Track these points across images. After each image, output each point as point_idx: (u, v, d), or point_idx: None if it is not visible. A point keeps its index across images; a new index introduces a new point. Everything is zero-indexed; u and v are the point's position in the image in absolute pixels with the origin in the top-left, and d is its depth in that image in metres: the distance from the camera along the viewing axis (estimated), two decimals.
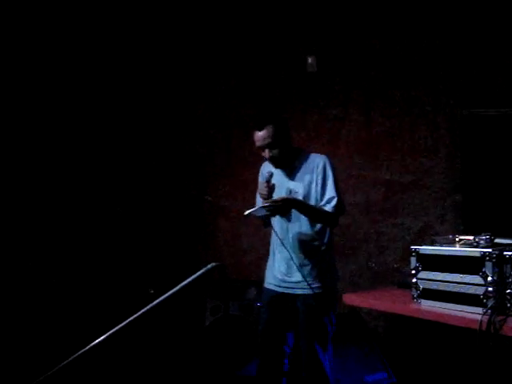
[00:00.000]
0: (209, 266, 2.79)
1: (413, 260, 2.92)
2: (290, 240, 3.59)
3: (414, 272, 2.90)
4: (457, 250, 2.73)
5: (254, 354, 4.60)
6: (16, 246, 4.82)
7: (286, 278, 3.62)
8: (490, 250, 2.51)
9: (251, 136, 3.53)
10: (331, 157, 3.76)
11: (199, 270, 2.80)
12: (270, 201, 3.35)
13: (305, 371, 3.63)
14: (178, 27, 5.74)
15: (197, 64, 5.81)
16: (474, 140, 5.11)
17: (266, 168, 3.75)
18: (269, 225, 3.74)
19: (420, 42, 5.23)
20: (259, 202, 3.65)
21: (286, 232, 3.61)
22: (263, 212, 3.40)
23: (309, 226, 3.58)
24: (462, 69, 5.12)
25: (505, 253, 2.48)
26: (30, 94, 5.07)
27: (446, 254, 2.76)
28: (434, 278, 2.79)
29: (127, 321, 2.78)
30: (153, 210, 5.75)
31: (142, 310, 2.79)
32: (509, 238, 2.76)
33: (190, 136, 5.91)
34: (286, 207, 3.43)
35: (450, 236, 2.98)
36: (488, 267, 2.49)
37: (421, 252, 2.90)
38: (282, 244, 3.60)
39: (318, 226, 3.60)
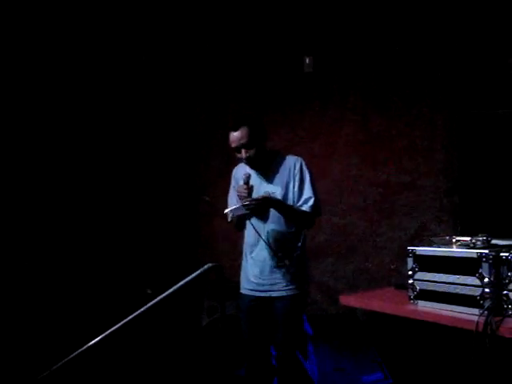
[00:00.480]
0: (205, 267, 2.80)
1: (409, 261, 2.92)
2: (269, 241, 3.55)
3: (410, 273, 2.89)
4: (453, 250, 2.73)
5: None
6: (14, 245, 4.81)
7: (261, 281, 3.59)
8: (486, 251, 2.51)
9: (227, 138, 3.53)
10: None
11: (196, 271, 2.80)
12: (249, 199, 3.34)
13: (286, 377, 3.59)
14: (177, 27, 5.73)
15: (195, 65, 5.80)
16: (471, 141, 5.12)
17: (240, 171, 3.74)
18: (242, 228, 3.75)
19: (417, 42, 5.24)
20: (232, 204, 3.68)
21: (263, 232, 3.57)
22: (242, 211, 3.39)
23: (285, 228, 3.56)
24: (460, 70, 5.14)
25: (501, 254, 2.48)
26: (29, 94, 5.06)
27: (443, 254, 2.76)
28: (430, 278, 2.79)
29: (124, 321, 2.78)
30: (150, 211, 5.75)
31: (140, 310, 2.79)
32: (506, 239, 2.76)
33: (188, 136, 5.91)
34: (265, 206, 3.44)
35: (447, 237, 2.98)
36: (485, 268, 2.49)
37: (417, 253, 2.89)
38: (256, 246, 3.59)
39: (293, 228, 3.59)
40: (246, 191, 3.38)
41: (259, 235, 3.53)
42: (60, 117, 5.26)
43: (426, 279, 2.82)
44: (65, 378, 3.14)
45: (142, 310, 2.79)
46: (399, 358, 4.72)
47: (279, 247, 3.55)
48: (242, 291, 3.74)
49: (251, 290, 3.64)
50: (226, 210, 3.46)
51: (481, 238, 2.71)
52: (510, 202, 4.93)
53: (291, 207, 3.54)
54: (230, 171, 5.69)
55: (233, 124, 3.51)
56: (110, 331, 2.78)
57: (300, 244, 3.64)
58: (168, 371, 4.73)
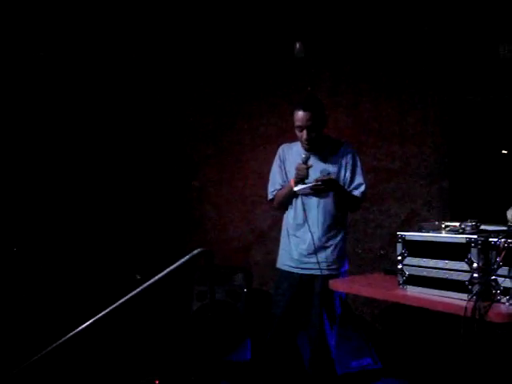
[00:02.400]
0: (195, 252, 2.79)
1: (399, 246, 2.92)
2: (317, 222, 3.71)
3: (399, 258, 2.90)
4: (442, 236, 2.73)
5: (242, 340, 4.63)
6: (4, 230, 4.80)
7: (306, 259, 3.73)
8: (475, 236, 2.52)
9: (293, 115, 3.65)
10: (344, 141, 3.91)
11: (186, 256, 2.79)
12: (319, 179, 3.51)
13: (312, 349, 3.79)
14: (166, 16, 5.68)
15: (184, 51, 5.76)
16: (460, 127, 5.13)
17: (287, 150, 3.92)
18: (286, 207, 3.88)
19: (409, 29, 5.23)
20: (275, 180, 3.90)
21: (314, 212, 3.72)
22: (309, 190, 3.57)
23: (334, 210, 3.74)
24: (450, 56, 5.13)
25: (490, 239, 2.48)
26: (27, 92, 5.02)
27: (432, 240, 2.76)
28: (419, 264, 2.79)
29: (114, 306, 2.77)
30: (140, 196, 5.73)
31: (129, 296, 2.78)
32: (495, 224, 2.77)
33: (178, 123, 5.88)
34: (329, 187, 3.59)
35: (436, 222, 2.98)
36: (473, 253, 2.49)
37: (407, 238, 2.89)
38: (303, 225, 3.73)
39: (341, 210, 3.78)
40: (305, 170, 3.54)
41: (307, 217, 3.69)
42: (50, 102, 5.23)
43: (415, 264, 2.82)
44: (54, 362, 3.13)
45: (131, 295, 2.78)
46: (388, 343, 4.75)
47: (327, 229, 3.72)
48: (282, 267, 3.88)
49: (294, 267, 3.79)
50: (296, 188, 3.58)
51: (470, 224, 2.71)
52: (499, 188, 4.95)
53: (347, 191, 3.73)
54: (219, 157, 5.73)
55: (304, 104, 3.64)
56: (99, 316, 2.77)
57: (346, 225, 3.88)
58: (158, 357, 4.74)
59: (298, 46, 5.48)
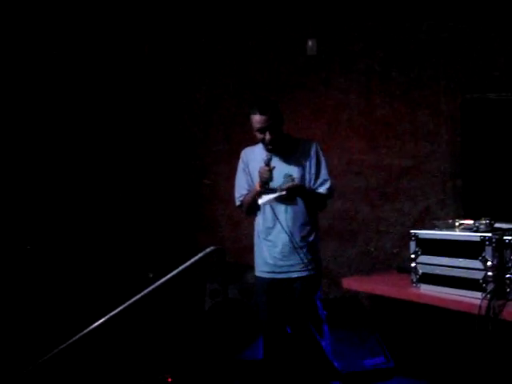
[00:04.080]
0: (207, 250, 2.79)
1: (412, 244, 2.92)
2: (288, 223, 3.66)
3: (413, 256, 2.89)
4: (456, 234, 2.72)
5: (255, 339, 4.62)
6: (13, 227, 4.82)
7: (281, 263, 3.69)
8: (489, 234, 2.51)
9: (250, 119, 3.63)
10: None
11: (198, 254, 2.79)
12: (284, 188, 3.49)
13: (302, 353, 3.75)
14: (176, 12, 5.69)
15: (196, 48, 5.77)
16: (474, 124, 5.09)
17: (249, 154, 3.87)
18: (254, 212, 3.85)
19: (421, 25, 5.19)
20: (241, 185, 3.85)
21: (283, 216, 3.67)
22: (273, 201, 3.56)
23: (304, 210, 3.70)
24: (463, 53, 5.09)
25: (505, 237, 2.47)
26: (26, 89, 5.04)
27: (446, 238, 2.75)
28: (433, 262, 2.79)
29: (126, 304, 2.78)
30: (152, 194, 5.74)
31: (141, 294, 2.79)
32: (509, 222, 2.75)
33: (189, 120, 5.89)
34: (295, 194, 3.58)
35: (450, 220, 2.97)
36: (488, 252, 2.48)
37: (420, 236, 2.89)
38: (273, 228, 3.70)
39: (310, 209, 3.73)
40: (268, 172, 3.50)
41: (277, 219, 3.65)
42: (54, 101, 5.24)
43: (429, 263, 2.82)
44: (67, 361, 3.15)
45: (144, 293, 2.79)
46: (401, 342, 4.73)
47: (300, 230, 3.69)
48: (259, 274, 3.86)
49: (269, 272, 3.76)
50: (260, 201, 3.56)
51: (484, 222, 2.70)
52: None
53: (313, 191, 3.71)
54: (230, 154, 5.70)
55: (260, 107, 3.60)
56: (112, 314, 2.78)
57: (316, 224, 3.82)
58: (171, 355, 4.75)
59: (310, 43, 5.46)
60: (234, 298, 4.74)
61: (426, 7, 5.16)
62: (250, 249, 5.57)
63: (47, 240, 4.98)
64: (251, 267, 5.01)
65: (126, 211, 5.55)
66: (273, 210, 3.67)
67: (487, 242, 2.49)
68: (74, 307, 4.74)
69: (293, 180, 3.61)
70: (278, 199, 3.57)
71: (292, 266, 3.66)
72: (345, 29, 5.40)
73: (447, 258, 2.71)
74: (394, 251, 5.24)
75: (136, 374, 4.46)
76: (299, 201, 3.67)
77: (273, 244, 3.73)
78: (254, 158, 3.82)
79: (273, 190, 3.54)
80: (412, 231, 2.94)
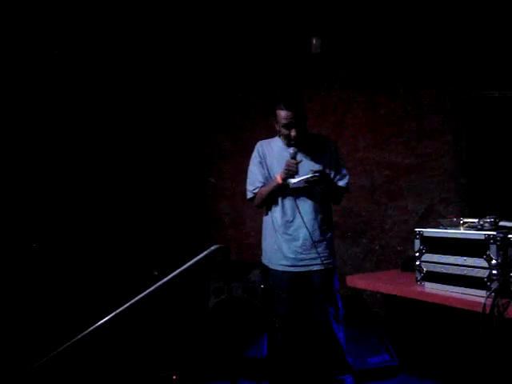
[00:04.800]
0: (212, 248, 2.79)
1: (417, 242, 2.91)
2: (309, 218, 3.72)
3: (417, 254, 2.89)
4: (461, 232, 2.72)
5: (259, 336, 4.63)
6: (17, 226, 4.83)
7: (302, 256, 3.72)
8: (494, 232, 2.50)
9: (276, 114, 3.70)
10: (336, 139, 3.91)
11: (202, 252, 2.80)
12: (315, 171, 3.53)
13: (319, 343, 3.83)
14: (182, 11, 5.69)
15: (203, 48, 5.77)
16: (478, 123, 5.09)
17: (265, 147, 3.90)
18: (268, 205, 3.87)
19: (426, 23, 5.19)
20: (255, 178, 3.86)
21: (303, 209, 3.72)
22: (303, 183, 3.58)
23: (323, 205, 3.79)
24: (468, 51, 5.09)
25: (509, 236, 2.47)
26: (27, 92, 5.04)
27: (450, 236, 2.75)
28: (437, 260, 2.78)
29: (131, 302, 2.79)
30: (157, 193, 5.75)
31: (146, 292, 2.80)
32: None
33: (193, 118, 5.89)
34: (323, 180, 3.61)
35: (455, 219, 2.97)
36: (492, 250, 2.48)
37: (425, 234, 2.89)
38: (293, 222, 3.73)
39: (329, 204, 3.85)
40: (295, 166, 3.55)
41: (299, 213, 3.68)
42: (59, 99, 5.25)
43: (433, 261, 2.81)
44: (73, 358, 3.16)
45: (149, 291, 2.79)
46: (405, 340, 4.73)
47: (318, 223, 3.75)
48: (277, 268, 3.85)
49: (289, 266, 3.77)
50: (293, 180, 3.57)
51: (489, 220, 2.70)
52: None
53: (335, 184, 3.79)
54: (235, 153, 5.73)
55: (287, 102, 3.67)
56: (117, 312, 2.79)
57: (331, 221, 3.90)
58: (175, 353, 4.76)
59: (314, 41, 5.47)
60: (238, 296, 4.75)
61: (431, 6, 5.16)
62: (254, 246, 5.61)
63: (53, 238, 4.99)
64: (256, 265, 5.03)
65: (131, 209, 5.56)
66: (294, 204, 3.71)
67: (491, 241, 2.49)
68: (79, 305, 4.75)
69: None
70: (308, 183, 3.59)
71: (312, 259, 3.71)
72: (349, 27, 5.41)
73: (452, 257, 2.71)
74: (399, 249, 5.25)
75: (141, 372, 4.47)
76: (317, 196, 3.73)
77: (293, 238, 3.75)
78: (271, 151, 3.86)
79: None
80: (416, 229, 2.94)
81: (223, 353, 4.52)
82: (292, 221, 3.74)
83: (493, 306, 2.32)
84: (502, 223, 2.71)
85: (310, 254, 3.72)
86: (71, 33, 5.25)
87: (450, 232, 2.76)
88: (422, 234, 2.90)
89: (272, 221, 3.85)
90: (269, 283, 3.94)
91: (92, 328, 2.79)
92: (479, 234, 2.57)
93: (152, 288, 2.79)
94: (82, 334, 2.80)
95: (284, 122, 3.66)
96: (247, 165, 5.60)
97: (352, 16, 5.39)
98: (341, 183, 3.80)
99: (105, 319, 2.79)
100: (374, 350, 4.37)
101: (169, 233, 5.70)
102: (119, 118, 5.59)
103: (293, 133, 3.66)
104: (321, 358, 3.90)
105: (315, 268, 3.72)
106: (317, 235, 3.73)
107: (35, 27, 5.02)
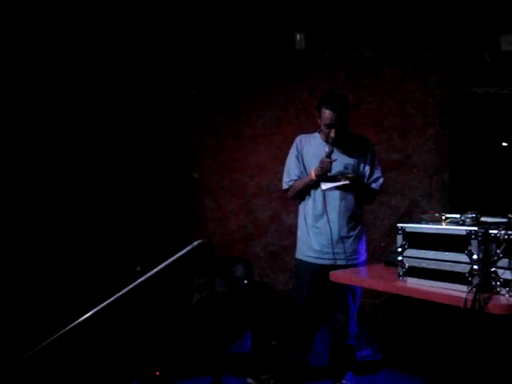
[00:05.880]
0: (195, 244, 2.79)
1: (399, 238, 2.92)
2: (338, 213, 3.80)
3: (400, 250, 2.90)
4: (443, 228, 2.73)
5: (242, 331, 4.63)
6: (4, 223, 4.80)
7: (328, 250, 3.81)
8: (475, 228, 2.51)
9: (321, 111, 3.77)
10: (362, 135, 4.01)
11: (186, 248, 2.79)
12: (344, 177, 3.70)
13: (338, 335, 3.97)
14: (167, 7, 5.66)
15: (187, 44, 5.74)
16: (461, 119, 5.12)
17: (304, 142, 4.00)
18: (302, 197, 3.96)
19: (409, 20, 5.21)
20: (291, 171, 3.95)
21: (336, 204, 3.81)
22: (334, 189, 3.74)
23: (354, 203, 3.85)
24: (451, 48, 5.12)
25: (490, 231, 2.48)
26: (25, 91, 5.00)
27: (432, 232, 2.76)
28: (419, 255, 2.79)
29: (114, 298, 2.78)
30: (140, 188, 5.72)
31: (129, 287, 2.79)
32: (495, 216, 2.77)
33: (178, 113, 5.87)
34: (354, 185, 3.75)
35: (437, 214, 2.98)
36: (474, 245, 2.49)
37: (407, 230, 2.89)
38: (323, 216, 3.81)
39: (360, 203, 3.91)
40: (329, 164, 3.66)
41: (326, 210, 3.78)
42: (47, 97, 5.21)
43: (416, 256, 2.82)
44: (55, 354, 3.14)
45: (132, 286, 2.79)
46: (388, 334, 4.76)
47: (348, 220, 3.83)
48: (303, 258, 3.96)
49: (315, 258, 3.88)
50: (324, 187, 3.72)
51: (470, 216, 2.71)
52: (499, 180, 4.95)
53: (366, 186, 3.89)
54: (218, 149, 5.72)
55: (334, 104, 3.75)
56: (99, 308, 2.77)
57: (362, 218, 3.98)
58: (158, 349, 4.75)
59: (298, 37, 5.46)
60: (222, 291, 4.75)
61: (415, 2, 5.18)
62: (238, 242, 5.62)
63: (36, 234, 4.96)
64: (240, 260, 5.03)
65: (113, 205, 5.53)
66: (324, 199, 3.78)
67: (473, 236, 2.50)
68: (61, 301, 4.73)
69: (347, 169, 3.80)
70: (339, 187, 3.74)
71: (337, 253, 3.80)
72: (333, 23, 5.41)
73: (434, 252, 2.72)
74: (382, 245, 5.27)
75: (124, 368, 4.46)
76: (351, 193, 3.82)
77: (320, 231, 3.84)
78: (309, 146, 3.95)
79: (331, 179, 3.72)
80: (399, 225, 2.95)
81: (206, 348, 4.51)
82: (321, 215, 3.82)
83: (474, 300, 2.34)
84: (483, 219, 2.72)
85: (335, 248, 3.80)
86: (56, 27, 5.21)
87: (432, 227, 2.77)
88: (404, 230, 2.91)
89: (304, 213, 3.96)
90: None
91: (75, 323, 2.78)
92: (461, 230, 2.58)
93: (135, 283, 2.78)
94: (65, 330, 2.79)
95: (326, 121, 3.75)
96: (231, 160, 5.63)
97: (336, 12, 5.40)
98: (374, 185, 3.91)
99: (87, 315, 2.78)
100: (357, 344, 4.38)
101: (152, 228, 5.68)
102: (101, 114, 5.55)
103: (332, 134, 3.75)
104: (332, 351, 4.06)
105: (339, 262, 3.79)
106: (344, 231, 3.82)
107: (19, 21, 4.98)
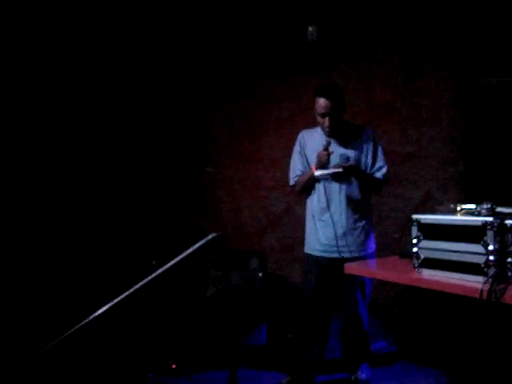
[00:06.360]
0: (209, 237, 2.80)
1: (414, 229, 2.91)
2: (341, 206, 3.80)
3: (415, 241, 2.89)
4: (458, 219, 2.72)
5: (257, 324, 4.65)
6: (16, 218, 4.83)
7: (335, 243, 3.80)
8: (491, 218, 2.50)
9: (315, 101, 3.75)
10: (363, 124, 3.98)
11: (200, 241, 2.80)
12: (339, 166, 3.66)
13: (347, 326, 3.99)
14: (177, 4, 5.66)
15: (198, 37, 5.74)
16: (475, 109, 5.08)
17: (308, 136, 4.00)
18: (307, 192, 3.97)
19: (421, 10, 5.17)
20: (296, 167, 3.96)
21: (337, 196, 3.81)
22: (329, 175, 3.73)
23: (358, 193, 3.84)
24: (464, 38, 5.08)
25: (506, 221, 2.46)
26: (27, 92, 5.02)
27: (447, 223, 2.74)
28: (435, 247, 2.78)
29: (130, 291, 2.79)
30: (155, 182, 5.74)
31: (145, 281, 2.80)
32: (510, 206, 2.75)
33: (191, 108, 5.88)
34: (350, 173, 3.72)
35: (452, 205, 2.97)
36: (489, 236, 2.48)
37: (422, 221, 2.88)
38: (328, 209, 3.80)
39: (364, 193, 3.88)
40: (326, 156, 3.65)
41: (328, 203, 3.78)
42: (54, 94, 5.23)
43: (431, 247, 2.81)
44: (72, 348, 3.17)
45: (147, 280, 2.80)
46: (403, 326, 4.75)
47: (353, 212, 3.83)
48: (312, 252, 3.98)
49: (323, 251, 3.89)
50: (316, 173, 3.70)
51: (485, 206, 2.69)
52: None
53: (368, 175, 3.85)
54: (232, 142, 5.72)
55: (327, 91, 3.74)
56: (115, 302, 2.79)
57: (370, 207, 3.99)
58: (174, 341, 4.77)
59: (310, 29, 5.45)
60: (236, 284, 4.76)
61: None
62: (252, 235, 5.63)
63: (52, 229, 4.99)
64: (254, 253, 5.04)
65: (129, 199, 5.55)
66: (325, 191, 3.79)
67: (489, 227, 2.48)
68: (77, 295, 4.76)
69: (348, 160, 3.76)
70: (334, 176, 3.73)
71: (345, 246, 3.80)
72: (345, 15, 5.39)
73: (449, 243, 2.71)
74: (396, 236, 5.26)
75: (140, 361, 4.49)
76: (354, 184, 3.81)
77: (326, 224, 3.84)
78: (311, 141, 3.95)
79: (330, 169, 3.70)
80: (414, 216, 2.93)
81: (222, 341, 4.53)
82: (326, 208, 3.81)
83: (490, 291, 2.33)
84: (498, 209, 2.71)
85: (342, 241, 3.80)
86: (64, 26, 5.22)
87: (447, 219, 2.76)
88: (419, 221, 2.89)
89: (311, 207, 3.97)
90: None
91: (91, 317, 2.80)
92: (476, 221, 2.56)
93: (150, 277, 2.80)
94: (81, 324, 2.81)
95: (320, 110, 3.74)
96: (245, 153, 5.63)
97: (348, 4, 5.37)
98: (378, 174, 3.87)
99: (103, 309, 2.80)
100: (372, 336, 4.38)
101: (167, 222, 5.70)
102: (114, 110, 5.58)
103: (326, 122, 3.74)
104: (344, 341, 4.07)
105: (346, 255, 3.79)
106: (349, 224, 3.81)
107: (29, 20, 4.99)
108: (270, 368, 4.44)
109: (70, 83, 5.28)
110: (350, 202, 3.81)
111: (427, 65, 5.22)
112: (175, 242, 4.97)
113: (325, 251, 3.87)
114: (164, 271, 2.79)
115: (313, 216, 3.94)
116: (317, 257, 3.91)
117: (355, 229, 3.83)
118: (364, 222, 3.87)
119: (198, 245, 2.80)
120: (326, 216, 3.82)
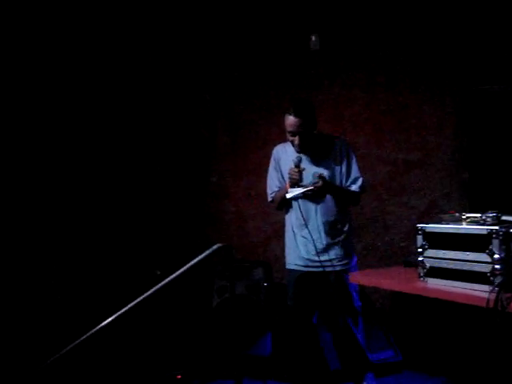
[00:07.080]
0: (214, 247, 2.80)
1: (419, 238, 2.91)
2: (318, 223, 3.74)
3: (420, 250, 2.89)
4: (463, 227, 2.72)
5: (263, 334, 4.64)
6: (21, 225, 4.84)
7: (315, 258, 3.75)
8: (496, 227, 2.50)
9: (284, 118, 3.67)
10: (336, 135, 3.89)
11: (205, 251, 2.80)
12: (312, 185, 3.58)
13: (336, 343, 3.98)
14: (181, 11, 5.68)
15: (202, 47, 5.76)
16: (480, 117, 5.08)
17: (281, 152, 3.93)
18: (285, 207, 3.92)
19: (425, 17, 5.18)
20: (272, 184, 3.94)
21: (314, 214, 3.75)
22: (301, 195, 3.65)
23: (334, 208, 3.77)
24: (468, 45, 5.08)
25: (511, 230, 2.47)
26: (29, 92, 5.04)
27: (453, 231, 2.74)
28: (440, 256, 2.78)
29: (134, 302, 2.79)
30: (159, 192, 5.75)
31: (149, 292, 2.80)
32: None
33: (195, 118, 5.89)
34: (323, 191, 3.65)
35: (457, 214, 2.97)
36: (495, 245, 2.48)
37: (427, 230, 2.88)
38: (306, 226, 3.74)
39: (341, 206, 3.81)
40: (297, 174, 3.57)
41: (304, 219, 3.70)
42: (61, 97, 5.24)
43: (436, 256, 2.81)
44: (76, 359, 3.16)
45: (152, 291, 2.80)
46: (409, 336, 4.73)
47: (331, 227, 3.77)
48: (292, 267, 3.93)
49: (304, 266, 3.84)
50: (288, 195, 3.63)
51: (491, 215, 2.69)
52: None
53: (343, 189, 3.77)
54: (236, 153, 5.72)
55: (294, 109, 3.62)
56: (120, 312, 2.79)
57: (349, 220, 3.90)
58: (179, 352, 4.76)
59: (313, 38, 5.46)
60: (242, 294, 4.75)
61: (430, 1, 5.14)
62: (257, 245, 5.62)
63: (55, 239, 4.99)
64: (259, 263, 5.04)
65: (133, 208, 5.56)
66: (301, 209, 3.73)
67: (494, 235, 2.48)
68: (82, 305, 4.76)
69: (322, 178, 3.65)
70: (306, 195, 3.66)
71: (327, 261, 3.74)
72: (348, 23, 5.39)
73: (454, 252, 2.71)
74: (401, 245, 5.24)
75: (145, 372, 4.48)
76: (329, 198, 3.74)
77: (307, 240, 3.78)
78: (285, 156, 3.89)
79: (302, 187, 3.61)
80: (419, 225, 2.93)
81: (227, 351, 4.52)
82: (304, 224, 3.75)
83: (496, 300, 2.32)
84: (504, 218, 2.70)
85: (323, 256, 3.75)
86: (72, 29, 5.24)
87: (453, 227, 2.76)
88: (424, 230, 2.89)
89: (289, 222, 3.92)
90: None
91: (96, 328, 2.79)
92: (482, 229, 2.56)
93: (155, 288, 2.80)
94: (87, 335, 2.81)
95: (289, 128, 3.66)
96: (249, 164, 5.64)
97: (351, 12, 5.38)
98: (353, 187, 3.80)
99: (109, 319, 2.79)
100: (378, 346, 4.37)
101: (171, 232, 5.70)
102: (120, 117, 5.60)
103: (296, 141, 3.66)
104: (341, 358, 4.05)
105: (329, 269, 3.75)
106: (329, 238, 3.76)
107: (30, 22, 5.01)
108: (276, 378, 4.43)
109: (77, 93, 5.30)
110: (327, 219, 3.76)
111: (431, 72, 5.22)
112: (180, 252, 4.98)
113: (306, 266, 3.83)
114: (169, 281, 2.79)
115: (293, 231, 3.88)
116: (296, 271, 3.87)
117: (336, 243, 3.78)
118: (343, 236, 3.81)
119: (203, 255, 2.80)
120: (305, 232, 3.77)
